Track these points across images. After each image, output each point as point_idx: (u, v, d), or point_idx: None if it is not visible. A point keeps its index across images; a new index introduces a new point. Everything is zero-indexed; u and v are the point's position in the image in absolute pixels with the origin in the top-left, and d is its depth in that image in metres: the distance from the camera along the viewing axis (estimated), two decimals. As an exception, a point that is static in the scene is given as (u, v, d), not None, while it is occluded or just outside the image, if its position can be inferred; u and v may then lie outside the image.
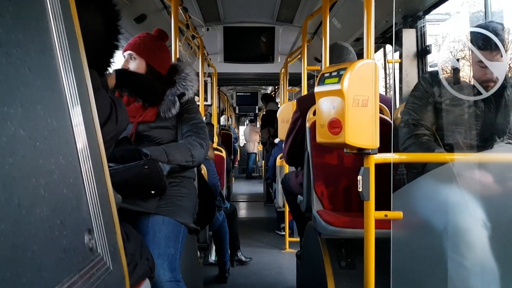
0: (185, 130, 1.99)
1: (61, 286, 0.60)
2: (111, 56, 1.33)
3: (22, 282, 0.52)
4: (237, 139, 12.86)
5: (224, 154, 5.05)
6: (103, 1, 1.28)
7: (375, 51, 3.43)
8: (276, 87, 8.74)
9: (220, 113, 10.08)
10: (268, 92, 10.19)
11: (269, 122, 6.89)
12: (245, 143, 12.81)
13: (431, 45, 2.80)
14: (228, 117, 12.55)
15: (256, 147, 11.96)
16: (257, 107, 11.21)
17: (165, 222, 1.78)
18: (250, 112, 13.20)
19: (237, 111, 13.31)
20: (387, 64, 3.58)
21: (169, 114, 1.95)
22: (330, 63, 2.42)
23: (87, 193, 0.73)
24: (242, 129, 15.10)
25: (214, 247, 3.94)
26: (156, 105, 1.94)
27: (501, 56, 1.74)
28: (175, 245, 1.77)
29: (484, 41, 1.74)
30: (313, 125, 2.17)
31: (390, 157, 1.56)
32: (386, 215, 1.52)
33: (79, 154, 0.72)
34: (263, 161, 9.12)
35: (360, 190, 1.53)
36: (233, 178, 9.42)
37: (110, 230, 0.81)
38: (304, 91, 3.75)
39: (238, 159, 12.81)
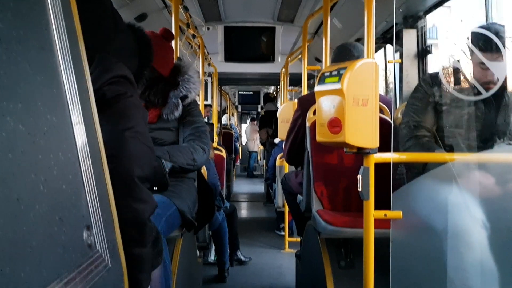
0: (187, 133, 1.99)
1: (59, 282, 0.60)
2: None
3: (21, 277, 0.52)
4: (238, 138, 12.87)
5: (224, 153, 5.04)
6: (139, 38, 1.27)
7: (376, 51, 3.43)
8: (277, 86, 8.73)
9: (222, 111, 10.06)
10: (270, 91, 10.19)
11: (267, 123, 6.88)
12: (246, 142, 12.81)
13: (431, 45, 2.80)
14: (229, 116, 12.55)
15: (257, 146, 11.96)
16: (259, 105, 11.19)
17: (157, 196, 1.74)
18: (253, 110, 13.17)
19: (239, 110, 13.29)
20: (387, 64, 3.58)
21: (171, 117, 1.97)
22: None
23: (86, 189, 0.73)
24: (244, 127, 15.11)
25: (213, 247, 3.94)
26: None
27: (502, 57, 1.74)
28: (163, 211, 1.71)
29: (486, 43, 1.74)
30: (313, 124, 2.17)
31: (390, 156, 1.56)
32: (385, 215, 1.52)
33: (79, 151, 0.72)
34: (264, 160, 9.12)
35: (360, 189, 1.53)
36: (234, 177, 9.39)
37: (109, 227, 0.81)
38: (304, 91, 3.75)
39: (240, 157, 12.82)
